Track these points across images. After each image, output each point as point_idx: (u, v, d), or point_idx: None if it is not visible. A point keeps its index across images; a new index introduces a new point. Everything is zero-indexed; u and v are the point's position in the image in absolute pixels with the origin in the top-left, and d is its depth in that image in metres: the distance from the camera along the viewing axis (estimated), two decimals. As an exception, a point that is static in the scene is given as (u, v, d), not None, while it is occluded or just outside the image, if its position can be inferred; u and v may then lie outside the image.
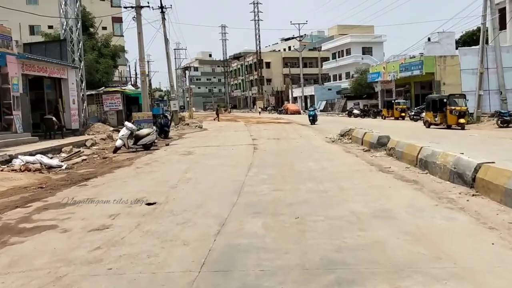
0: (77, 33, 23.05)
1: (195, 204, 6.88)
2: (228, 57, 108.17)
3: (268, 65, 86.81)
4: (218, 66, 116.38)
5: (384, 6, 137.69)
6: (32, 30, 41.18)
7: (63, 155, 13.97)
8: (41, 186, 9.06)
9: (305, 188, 7.85)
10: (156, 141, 18.15)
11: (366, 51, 63.10)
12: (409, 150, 10.20)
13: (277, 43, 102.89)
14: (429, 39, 48.27)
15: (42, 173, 10.87)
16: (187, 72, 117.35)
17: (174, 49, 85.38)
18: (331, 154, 13.15)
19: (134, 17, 21.87)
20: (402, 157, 10.57)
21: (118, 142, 15.82)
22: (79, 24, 23.70)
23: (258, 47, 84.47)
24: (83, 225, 5.86)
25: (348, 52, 64.50)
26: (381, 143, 13.01)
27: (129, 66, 64.03)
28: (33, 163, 11.43)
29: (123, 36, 50.18)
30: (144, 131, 16.70)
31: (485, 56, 27.17)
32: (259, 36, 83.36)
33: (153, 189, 8.25)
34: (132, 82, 47.53)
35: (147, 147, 16.36)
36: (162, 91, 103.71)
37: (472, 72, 28.10)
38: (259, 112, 70.05)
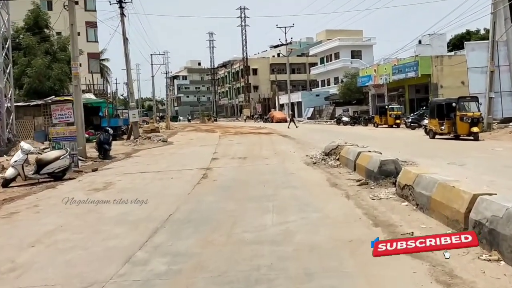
0: (2, 28, 18.88)
1: None
2: (217, 65, 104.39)
3: (255, 71, 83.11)
4: (207, 75, 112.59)
5: (371, 4, 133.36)
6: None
7: None
8: None
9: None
10: (79, 166, 13.46)
11: (355, 55, 59.94)
12: (445, 197, 5.46)
13: (266, 50, 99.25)
14: (420, 42, 44.91)
15: None
16: (175, 81, 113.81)
17: (151, 55, 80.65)
18: (308, 191, 8.50)
19: (65, 5, 17.04)
20: (429, 207, 5.85)
21: (9, 172, 11.05)
22: (6, 18, 19.52)
23: (245, 53, 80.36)
24: None
25: (337, 56, 60.97)
26: (385, 172, 8.42)
27: (108, 76, 59.53)
28: None
29: (97, 42, 48.33)
30: (51, 154, 11.79)
31: (495, 52, 22.90)
32: (246, 42, 79.25)
33: None
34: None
35: (58, 177, 11.62)
36: (152, 100, 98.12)
37: (481, 71, 23.74)
38: (245, 120, 66.98)
